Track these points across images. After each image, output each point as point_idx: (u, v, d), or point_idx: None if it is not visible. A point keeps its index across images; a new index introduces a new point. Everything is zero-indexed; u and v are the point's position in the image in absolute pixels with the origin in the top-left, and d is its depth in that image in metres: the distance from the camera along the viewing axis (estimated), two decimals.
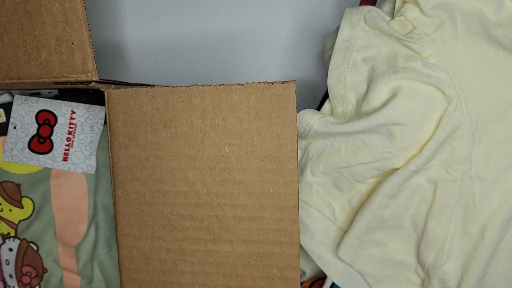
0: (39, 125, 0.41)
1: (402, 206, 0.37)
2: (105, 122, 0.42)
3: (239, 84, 0.33)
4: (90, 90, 0.45)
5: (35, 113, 0.42)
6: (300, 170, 0.40)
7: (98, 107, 0.42)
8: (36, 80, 0.34)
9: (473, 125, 0.34)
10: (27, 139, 0.42)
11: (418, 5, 0.34)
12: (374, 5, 0.38)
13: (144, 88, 0.35)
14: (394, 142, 0.35)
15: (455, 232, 0.36)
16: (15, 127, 0.41)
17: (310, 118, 0.37)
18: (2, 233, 0.44)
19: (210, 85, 0.34)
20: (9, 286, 0.45)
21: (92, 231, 0.43)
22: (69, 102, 0.42)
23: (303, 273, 0.45)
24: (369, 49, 0.36)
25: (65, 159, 0.41)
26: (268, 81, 0.33)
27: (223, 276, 0.36)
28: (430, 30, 0.34)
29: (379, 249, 0.39)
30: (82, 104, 0.42)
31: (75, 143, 0.41)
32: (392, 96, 0.34)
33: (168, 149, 0.35)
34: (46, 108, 0.42)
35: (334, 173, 0.39)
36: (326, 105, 0.40)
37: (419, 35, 0.34)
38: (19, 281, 0.44)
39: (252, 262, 0.36)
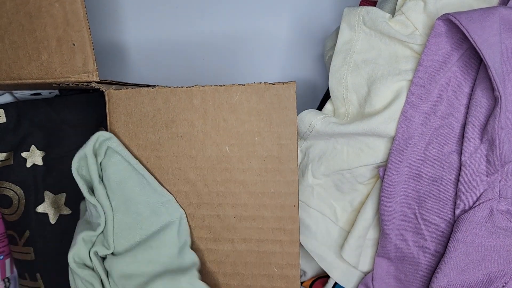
0: None
1: None
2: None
3: (240, 84, 0.34)
4: (91, 90, 0.45)
5: None
6: (301, 172, 0.40)
7: None
8: (37, 80, 0.34)
9: None
10: None
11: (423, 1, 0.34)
12: (374, 5, 0.38)
13: (145, 89, 0.35)
14: None
15: None
16: None
17: (312, 118, 0.37)
18: None
19: (211, 86, 0.34)
20: None
21: None
22: None
23: (304, 273, 0.45)
24: (369, 51, 0.36)
25: None
26: (269, 82, 0.33)
27: (223, 275, 0.36)
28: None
29: None
30: None
31: None
32: (395, 98, 0.34)
33: (169, 150, 0.35)
34: None
35: (336, 175, 0.39)
36: (328, 106, 0.40)
37: (420, 36, 0.34)
38: None
39: (252, 260, 0.36)
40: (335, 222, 0.40)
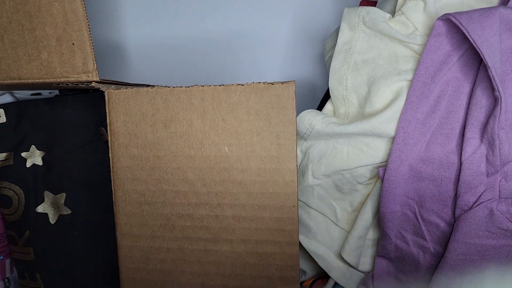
0: None
1: None
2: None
3: (239, 84, 0.33)
4: (90, 90, 0.45)
5: None
6: (301, 172, 0.40)
7: None
8: (37, 80, 0.34)
9: None
10: None
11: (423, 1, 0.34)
12: (374, 5, 0.38)
13: (145, 89, 0.35)
14: None
15: None
16: None
17: (312, 118, 0.37)
18: None
19: (210, 86, 0.34)
20: None
21: None
22: None
23: (304, 273, 0.45)
24: (369, 51, 0.36)
25: None
26: (268, 82, 0.33)
27: (222, 276, 0.36)
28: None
29: None
30: None
31: None
32: (395, 98, 0.34)
33: (168, 149, 0.35)
34: None
35: (336, 175, 0.39)
36: (328, 106, 0.40)
37: (420, 36, 0.34)
38: None
39: (251, 261, 0.36)
40: (335, 222, 0.40)
